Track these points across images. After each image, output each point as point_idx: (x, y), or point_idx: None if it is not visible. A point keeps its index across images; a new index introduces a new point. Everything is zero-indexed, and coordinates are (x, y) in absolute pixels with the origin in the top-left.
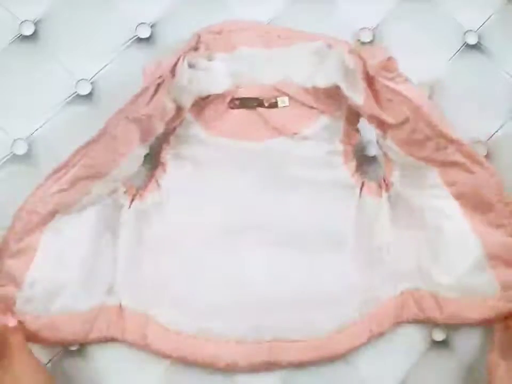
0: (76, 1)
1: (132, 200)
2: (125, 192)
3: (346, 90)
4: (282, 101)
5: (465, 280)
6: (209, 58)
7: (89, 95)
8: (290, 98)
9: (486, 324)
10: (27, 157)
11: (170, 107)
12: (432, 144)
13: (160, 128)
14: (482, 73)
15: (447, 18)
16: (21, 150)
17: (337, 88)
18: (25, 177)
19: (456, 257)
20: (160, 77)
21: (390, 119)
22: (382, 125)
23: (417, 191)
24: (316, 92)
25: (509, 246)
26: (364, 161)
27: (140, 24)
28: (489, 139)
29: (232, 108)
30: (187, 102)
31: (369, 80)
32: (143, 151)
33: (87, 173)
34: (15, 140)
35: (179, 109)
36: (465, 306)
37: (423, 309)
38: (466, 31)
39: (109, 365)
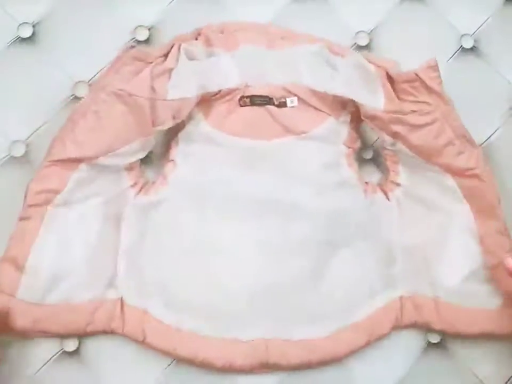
0: (74, 4)
1: (137, 194)
2: (132, 186)
3: (364, 99)
4: (291, 101)
5: (467, 286)
6: (209, 55)
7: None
8: (299, 99)
9: (485, 337)
10: (25, 159)
11: (173, 95)
12: (452, 150)
13: (167, 119)
14: (478, 76)
15: (443, 22)
16: (18, 152)
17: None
18: (23, 179)
19: (461, 260)
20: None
21: (416, 121)
22: (394, 134)
23: (428, 190)
24: (324, 96)
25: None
26: (359, 164)
27: (137, 26)
28: (484, 142)
29: (241, 106)
30: (190, 91)
31: (392, 86)
32: (143, 144)
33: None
34: (13, 142)
35: (184, 101)
36: (464, 317)
37: (422, 315)
38: (463, 35)
39: (106, 366)
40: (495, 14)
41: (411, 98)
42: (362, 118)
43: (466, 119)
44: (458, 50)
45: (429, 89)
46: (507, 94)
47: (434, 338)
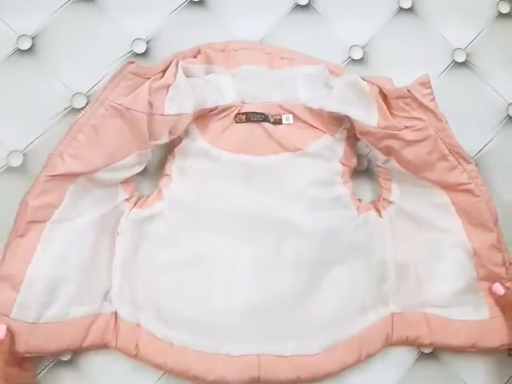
0: (73, 16)
1: (132, 208)
2: (126, 200)
3: (358, 115)
4: (287, 118)
5: (458, 299)
6: (208, 72)
7: (85, 108)
8: (294, 116)
9: (475, 350)
10: (23, 169)
11: (170, 110)
12: (445, 165)
13: (163, 134)
14: (470, 90)
15: (436, 36)
16: (16, 162)
17: (344, 116)
18: (21, 190)
19: (452, 276)
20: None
21: (409, 136)
22: (387, 149)
23: (421, 207)
24: (320, 113)
25: (502, 274)
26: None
27: (135, 39)
28: (476, 154)
29: (237, 122)
30: (188, 107)
31: (386, 103)
32: (141, 157)
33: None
34: (10, 152)
35: (180, 116)
36: (454, 330)
37: (412, 330)
38: (455, 49)
39: (101, 376)
40: (487, 28)
41: (404, 114)
42: (356, 134)
43: (459, 132)
44: (450, 64)
45: (422, 106)
46: (499, 107)
47: (427, 349)
